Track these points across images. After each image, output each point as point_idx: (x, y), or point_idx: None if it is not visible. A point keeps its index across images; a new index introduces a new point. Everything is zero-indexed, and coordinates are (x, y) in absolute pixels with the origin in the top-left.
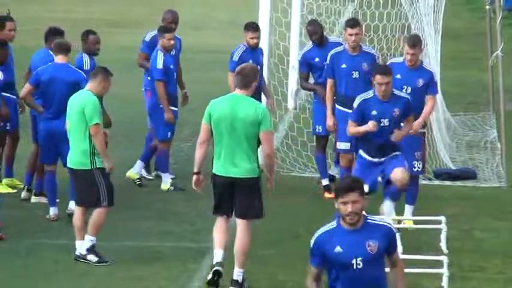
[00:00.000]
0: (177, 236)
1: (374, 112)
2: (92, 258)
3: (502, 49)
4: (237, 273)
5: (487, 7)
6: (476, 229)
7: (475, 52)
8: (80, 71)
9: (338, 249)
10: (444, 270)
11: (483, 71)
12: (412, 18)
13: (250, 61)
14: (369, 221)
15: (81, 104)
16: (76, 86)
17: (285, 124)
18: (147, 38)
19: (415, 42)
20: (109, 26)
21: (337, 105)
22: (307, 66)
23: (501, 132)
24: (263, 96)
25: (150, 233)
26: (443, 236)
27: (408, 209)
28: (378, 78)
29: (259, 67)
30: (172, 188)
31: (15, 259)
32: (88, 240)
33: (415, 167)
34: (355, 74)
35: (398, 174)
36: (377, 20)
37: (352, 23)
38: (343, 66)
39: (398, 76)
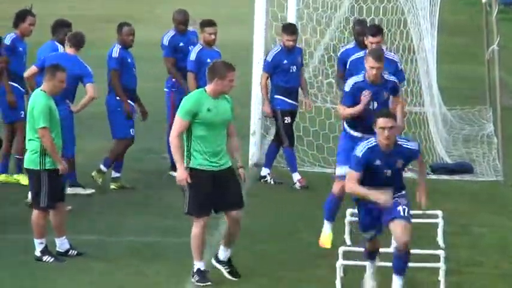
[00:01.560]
0: (177, 233)
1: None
2: (48, 259)
3: (498, 43)
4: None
5: (483, 1)
6: (473, 224)
7: (471, 46)
8: (85, 65)
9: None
10: (441, 265)
11: (480, 65)
12: (408, 13)
13: (285, 61)
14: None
15: (31, 104)
16: (78, 80)
17: None
18: (166, 42)
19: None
20: (108, 21)
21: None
22: (344, 64)
23: (498, 126)
24: (300, 94)
25: (150, 230)
26: (439, 231)
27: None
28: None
29: (295, 67)
30: None
31: (15, 256)
32: (37, 244)
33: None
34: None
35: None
36: (373, 14)
37: (375, 30)
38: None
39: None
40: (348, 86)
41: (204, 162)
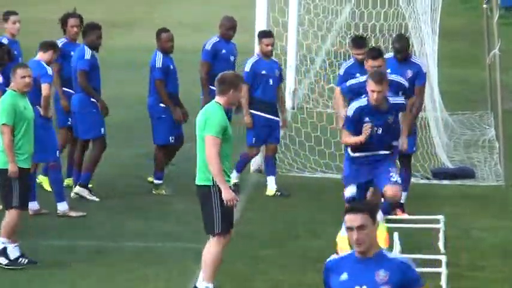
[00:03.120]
0: (177, 237)
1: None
2: (2, 260)
3: (500, 47)
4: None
5: (484, 6)
6: (474, 228)
7: (472, 51)
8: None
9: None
10: (443, 270)
11: (481, 69)
12: (409, 18)
13: (358, 75)
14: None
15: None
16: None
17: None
18: (208, 47)
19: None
20: (109, 26)
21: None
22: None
23: (499, 131)
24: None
25: (150, 234)
26: (441, 235)
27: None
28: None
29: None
30: (278, 193)
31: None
32: (0, 243)
33: (393, 177)
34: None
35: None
36: (374, 19)
37: (376, 53)
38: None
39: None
40: (351, 110)
41: (228, 180)
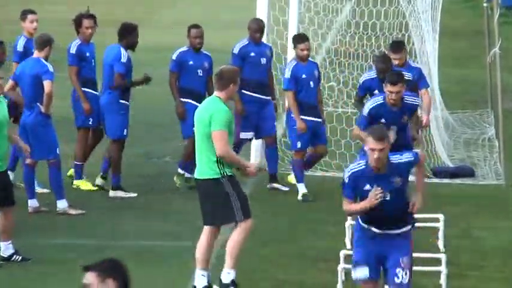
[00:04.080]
0: (177, 235)
1: (368, 187)
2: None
3: (500, 46)
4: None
5: (485, 5)
6: (474, 227)
7: (473, 50)
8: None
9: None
10: (442, 269)
11: (481, 68)
12: (409, 16)
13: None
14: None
15: None
16: (40, 79)
17: (283, 123)
18: (236, 50)
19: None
20: (110, 26)
21: None
22: (363, 91)
23: (499, 130)
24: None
25: (150, 233)
26: (441, 234)
27: None
28: (388, 86)
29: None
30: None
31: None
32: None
33: (398, 277)
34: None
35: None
36: (375, 17)
37: (396, 79)
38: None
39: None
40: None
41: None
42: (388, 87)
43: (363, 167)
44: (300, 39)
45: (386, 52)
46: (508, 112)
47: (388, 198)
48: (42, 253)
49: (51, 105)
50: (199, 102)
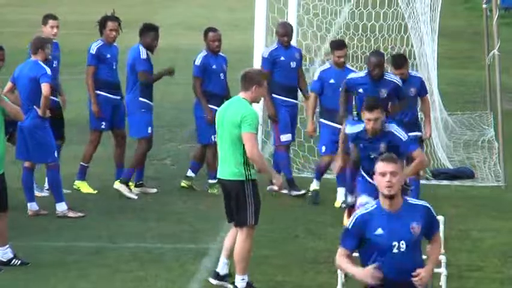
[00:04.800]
0: (176, 237)
1: (379, 231)
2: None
3: (499, 48)
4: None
5: (484, 6)
6: (474, 229)
7: (472, 51)
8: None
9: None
10: (442, 270)
11: (480, 70)
12: (408, 18)
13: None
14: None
15: None
16: (38, 82)
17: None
18: (266, 54)
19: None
20: None
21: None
22: (348, 90)
23: (498, 131)
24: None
25: (149, 235)
26: (441, 236)
27: None
28: (365, 114)
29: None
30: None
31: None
32: None
33: None
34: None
35: None
36: (373, 19)
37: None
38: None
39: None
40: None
41: (255, 174)
42: (366, 115)
43: (374, 207)
44: (337, 45)
45: (389, 68)
46: (507, 113)
47: (403, 250)
48: (42, 256)
49: (47, 108)
50: (219, 106)
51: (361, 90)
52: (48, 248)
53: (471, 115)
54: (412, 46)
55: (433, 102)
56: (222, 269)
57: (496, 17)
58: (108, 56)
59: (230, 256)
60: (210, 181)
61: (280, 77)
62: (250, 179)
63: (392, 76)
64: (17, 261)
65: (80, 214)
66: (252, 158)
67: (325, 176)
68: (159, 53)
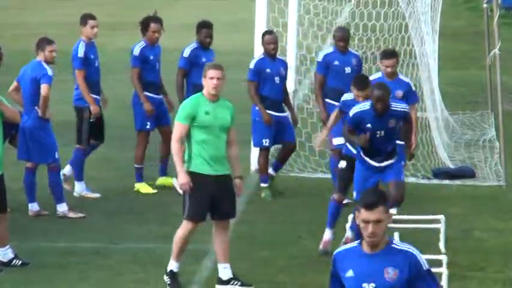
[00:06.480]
0: None
1: (368, 125)
2: None
3: (500, 48)
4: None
5: (485, 6)
6: (475, 228)
7: (473, 51)
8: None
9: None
10: (444, 270)
11: (481, 69)
12: (409, 18)
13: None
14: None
15: None
16: (39, 83)
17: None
18: (320, 58)
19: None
20: (110, 28)
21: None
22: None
23: (500, 131)
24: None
25: (150, 236)
26: (442, 236)
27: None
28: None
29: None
30: None
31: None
32: None
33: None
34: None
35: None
36: (374, 19)
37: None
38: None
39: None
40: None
41: (203, 167)
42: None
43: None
44: (385, 55)
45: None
46: (508, 113)
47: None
48: (43, 256)
49: (48, 109)
50: (275, 110)
51: (369, 125)
52: (48, 248)
53: (472, 115)
54: (412, 46)
55: (434, 101)
56: (223, 274)
57: (497, 16)
58: (151, 57)
59: (223, 258)
60: (262, 185)
61: (333, 82)
62: (189, 170)
63: (398, 105)
64: (17, 261)
65: (80, 215)
66: (236, 152)
67: (325, 175)
68: (161, 53)
